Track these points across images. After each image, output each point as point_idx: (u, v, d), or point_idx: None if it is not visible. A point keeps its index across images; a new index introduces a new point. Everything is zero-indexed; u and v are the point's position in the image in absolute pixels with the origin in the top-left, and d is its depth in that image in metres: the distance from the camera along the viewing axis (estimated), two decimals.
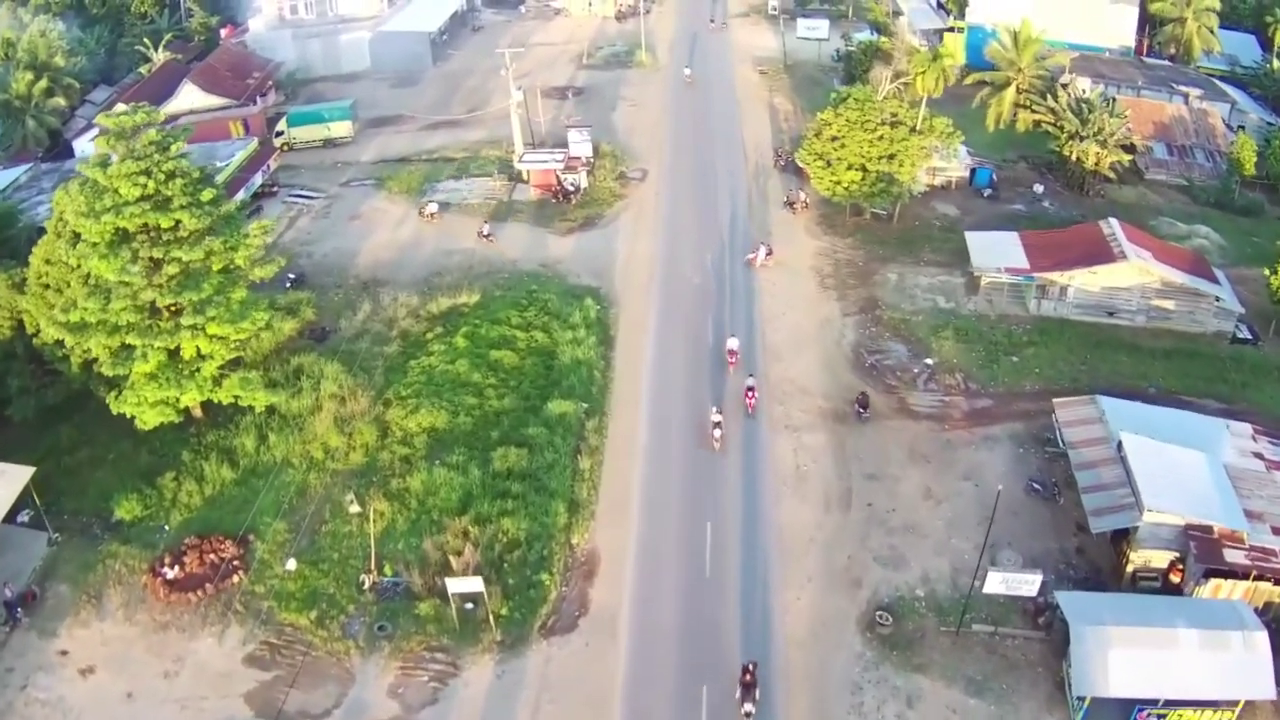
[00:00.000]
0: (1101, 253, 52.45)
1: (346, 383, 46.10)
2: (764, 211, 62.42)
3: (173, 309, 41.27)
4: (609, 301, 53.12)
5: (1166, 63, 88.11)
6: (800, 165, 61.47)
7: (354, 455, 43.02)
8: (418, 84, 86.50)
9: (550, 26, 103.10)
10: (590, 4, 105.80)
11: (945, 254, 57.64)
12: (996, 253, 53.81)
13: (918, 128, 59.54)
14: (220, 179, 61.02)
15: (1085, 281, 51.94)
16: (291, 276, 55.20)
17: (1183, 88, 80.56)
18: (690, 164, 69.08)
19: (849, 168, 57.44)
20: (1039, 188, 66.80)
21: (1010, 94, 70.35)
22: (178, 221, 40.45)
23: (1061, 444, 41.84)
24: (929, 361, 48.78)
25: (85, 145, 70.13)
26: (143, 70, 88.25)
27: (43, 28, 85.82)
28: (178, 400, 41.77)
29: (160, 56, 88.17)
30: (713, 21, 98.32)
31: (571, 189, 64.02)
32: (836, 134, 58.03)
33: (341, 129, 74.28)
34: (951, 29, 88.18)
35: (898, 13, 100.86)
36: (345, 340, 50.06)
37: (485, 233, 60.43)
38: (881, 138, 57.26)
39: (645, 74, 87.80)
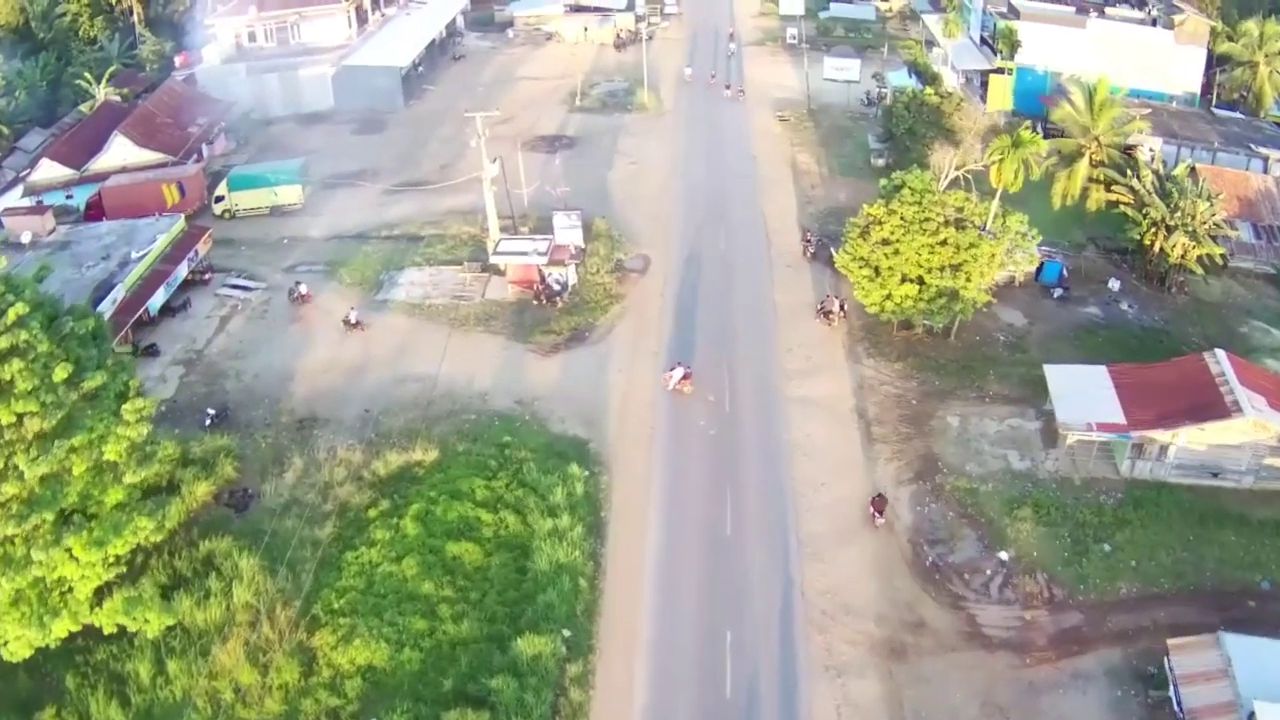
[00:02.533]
0: (1211, 403, 42.26)
1: (266, 588, 36.13)
2: (793, 322, 51.63)
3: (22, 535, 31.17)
4: (600, 464, 42.22)
5: (1238, 115, 77.52)
6: (841, 270, 50.72)
7: (270, 701, 33.10)
8: (384, 129, 75.59)
9: (540, 55, 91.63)
10: (585, 30, 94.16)
11: (1014, 384, 47.33)
12: (1084, 399, 43.32)
13: (988, 227, 48.93)
14: (137, 273, 51.25)
15: (1192, 439, 41.99)
16: (211, 412, 44.92)
17: (1261, 149, 70.28)
18: (702, 249, 58.33)
19: (903, 280, 47.09)
20: (1115, 284, 56.31)
21: (1083, 167, 59.52)
22: (21, 416, 30.33)
23: (1179, 710, 32.10)
24: (1004, 556, 38.65)
25: (10, 208, 59.86)
26: (84, 109, 77.90)
27: None
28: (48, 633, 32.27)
29: (102, 93, 77.50)
30: (728, 89, 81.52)
31: (557, 288, 52.87)
32: (889, 236, 47.47)
33: (290, 194, 63.20)
34: (999, 70, 77.32)
35: (930, 42, 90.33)
36: (270, 514, 39.82)
37: (353, 320, 50.47)
38: (945, 242, 46.71)
39: (647, 119, 76.86)
